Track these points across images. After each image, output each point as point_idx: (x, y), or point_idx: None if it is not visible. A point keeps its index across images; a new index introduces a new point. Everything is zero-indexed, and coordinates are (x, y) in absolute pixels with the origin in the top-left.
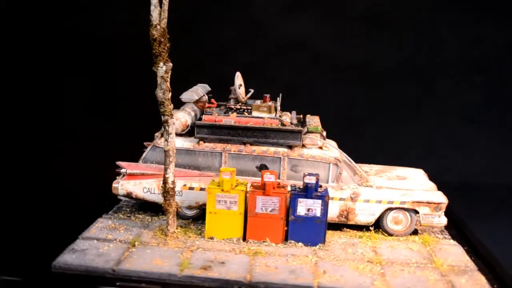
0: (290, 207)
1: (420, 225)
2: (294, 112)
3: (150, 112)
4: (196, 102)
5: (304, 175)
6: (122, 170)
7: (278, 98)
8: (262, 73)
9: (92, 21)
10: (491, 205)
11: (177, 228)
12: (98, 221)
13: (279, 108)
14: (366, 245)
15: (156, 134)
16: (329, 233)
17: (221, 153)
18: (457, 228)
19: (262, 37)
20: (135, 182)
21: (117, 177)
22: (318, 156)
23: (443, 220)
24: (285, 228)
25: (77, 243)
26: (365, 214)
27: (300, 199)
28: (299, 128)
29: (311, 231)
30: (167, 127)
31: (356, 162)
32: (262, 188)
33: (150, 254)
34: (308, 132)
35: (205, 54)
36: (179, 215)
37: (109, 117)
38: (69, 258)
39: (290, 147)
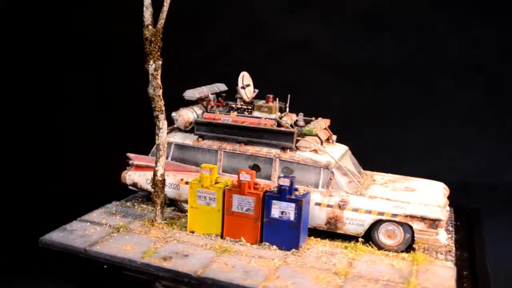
0: (265, 209)
1: (414, 242)
2: (301, 114)
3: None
4: (202, 100)
5: (279, 177)
6: (131, 161)
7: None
8: (262, 73)
9: (92, 21)
10: (491, 205)
11: (165, 220)
12: (104, 207)
13: (288, 109)
14: (345, 256)
15: None
16: (314, 240)
17: (217, 151)
18: (470, 251)
19: (263, 37)
20: (140, 173)
21: (127, 167)
22: (309, 160)
23: (442, 239)
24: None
25: (72, 223)
26: (353, 224)
27: (274, 201)
28: (291, 129)
29: (285, 235)
30: (157, 122)
31: (366, 167)
32: (239, 187)
33: (126, 240)
34: (302, 134)
35: (205, 54)
36: (178, 208)
37: (111, 116)
38: (55, 235)
39: (284, 148)
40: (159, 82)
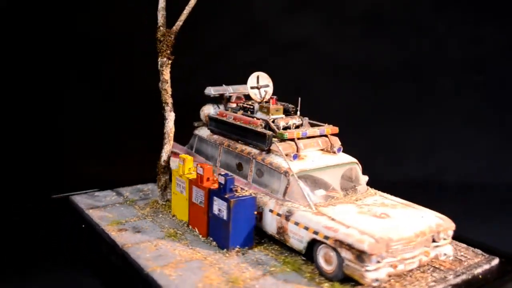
0: (209, 204)
1: (343, 272)
2: (306, 118)
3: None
4: (221, 98)
5: (218, 175)
6: None
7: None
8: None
9: (92, 21)
10: (491, 205)
11: (166, 201)
12: (142, 184)
13: (299, 112)
14: (267, 270)
15: (195, 123)
16: (264, 247)
17: (219, 146)
18: None
19: (263, 37)
20: (174, 159)
21: None
22: (275, 164)
23: (369, 275)
24: None
25: (103, 191)
26: (295, 239)
27: (214, 198)
28: (265, 131)
29: (221, 233)
30: (164, 113)
31: (366, 169)
32: (197, 179)
33: (119, 211)
34: (275, 137)
35: (205, 54)
36: None
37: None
38: (80, 197)
39: (261, 150)
40: (166, 77)
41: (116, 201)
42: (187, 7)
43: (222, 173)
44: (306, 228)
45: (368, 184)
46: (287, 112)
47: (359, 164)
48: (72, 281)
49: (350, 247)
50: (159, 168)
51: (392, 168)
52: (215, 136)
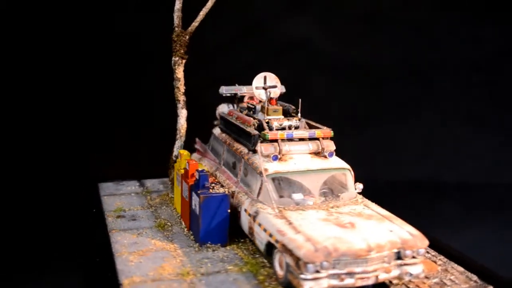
0: (190, 198)
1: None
2: (303, 121)
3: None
4: (235, 97)
5: (196, 170)
6: (196, 145)
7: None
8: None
9: (111, 20)
10: (491, 205)
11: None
12: (167, 178)
13: (299, 113)
14: (223, 268)
15: (214, 122)
16: (236, 246)
17: (223, 144)
18: None
19: (263, 37)
20: (195, 155)
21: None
22: (255, 165)
23: (307, 286)
24: None
25: (129, 182)
26: (258, 239)
27: (193, 192)
28: (251, 131)
29: (196, 228)
30: (177, 110)
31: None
32: (185, 175)
33: (131, 200)
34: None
35: (205, 54)
36: None
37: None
38: (106, 184)
39: (249, 150)
40: (178, 76)
41: (134, 191)
42: (204, 9)
43: (200, 169)
44: (265, 230)
45: (368, 184)
46: (287, 113)
47: (351, 171)
48: (53, 254)
49: (291, 253)
50: (170, 163)
51: (391, 168)
52: (223, 135)
